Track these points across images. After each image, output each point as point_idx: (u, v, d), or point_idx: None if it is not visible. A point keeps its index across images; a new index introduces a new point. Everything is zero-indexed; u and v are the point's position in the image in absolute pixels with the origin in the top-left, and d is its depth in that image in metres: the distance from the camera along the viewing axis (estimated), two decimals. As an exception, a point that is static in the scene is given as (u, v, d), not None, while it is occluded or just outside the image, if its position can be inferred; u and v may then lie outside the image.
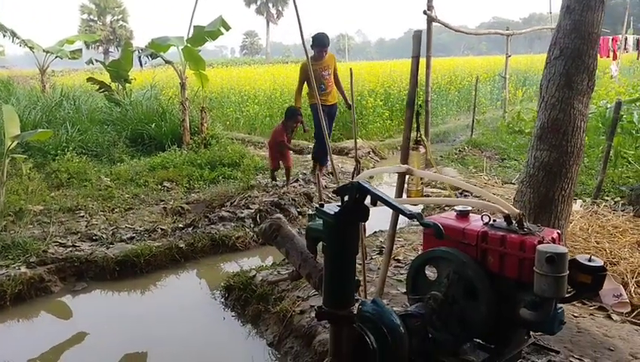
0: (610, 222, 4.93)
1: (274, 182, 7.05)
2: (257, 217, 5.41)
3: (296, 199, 5.82)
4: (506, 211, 2.26)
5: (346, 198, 1.82)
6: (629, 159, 7.08)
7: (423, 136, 2.94)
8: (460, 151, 9.43)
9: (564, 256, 2.00)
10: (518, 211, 2.25)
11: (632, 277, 3.58)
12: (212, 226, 5.29)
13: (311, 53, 6.92)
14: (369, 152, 9.54)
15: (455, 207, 2.47)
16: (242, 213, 5.50)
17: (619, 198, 5.92)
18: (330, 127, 7.58)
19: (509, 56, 13.66)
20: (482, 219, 2.40)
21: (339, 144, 10.30)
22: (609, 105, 8.04)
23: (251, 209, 5.57)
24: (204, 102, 9.29)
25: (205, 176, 7.49)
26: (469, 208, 2.44)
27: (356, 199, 1.76)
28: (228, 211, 5.56)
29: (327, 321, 1.90)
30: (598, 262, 2.10)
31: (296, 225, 5.48)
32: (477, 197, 3.65)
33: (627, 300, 3.23)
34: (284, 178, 7.06)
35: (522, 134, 10.30)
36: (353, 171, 2.27)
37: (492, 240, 2.25)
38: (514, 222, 2.28)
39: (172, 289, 4.57)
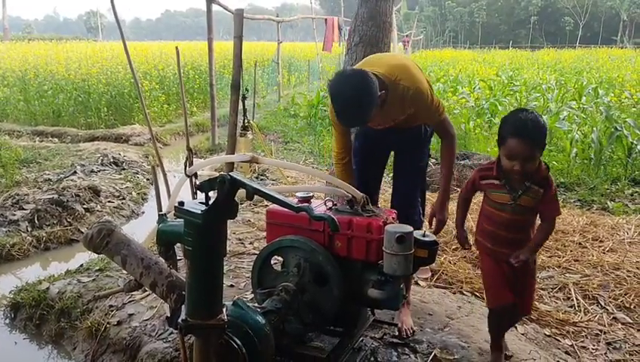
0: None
1: None
2: (35, 218, 4.61)
3: (81, 194, 5.12)
4: (351, 195, 2.29)
5: (211, 193, 1.63)
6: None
7: (252, 122, 2.84)
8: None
9: (412, 234, 2.10)
10: (362, 194, 2.30)
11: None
12: (-25, 234, 4.34)
13: None
14: (150, 138, 8.94)
15: (297, 194, 2.41)
16: (14, 215, 4.63)
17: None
18: None
19: (280, 42, 14.20)
20: (325, 204, 2.40)
21: (114, 130, 9.45)
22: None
23: (26, 209, 4.72)
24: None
25: (-52, 173, 6.15)
26: (311, 194, 2.41)
27: (227, 194, 1.57)
28: (-6, 214, 4.64)
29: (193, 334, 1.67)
30: (432, 236, 2.27)
31: (84, 224, 4.85)
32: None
33: (427, 267, 3.59)
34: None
35: (298, 118, 10.77)
36: (185, 162, 2.06)
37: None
38: (357, 205, 2.33)
39: None
